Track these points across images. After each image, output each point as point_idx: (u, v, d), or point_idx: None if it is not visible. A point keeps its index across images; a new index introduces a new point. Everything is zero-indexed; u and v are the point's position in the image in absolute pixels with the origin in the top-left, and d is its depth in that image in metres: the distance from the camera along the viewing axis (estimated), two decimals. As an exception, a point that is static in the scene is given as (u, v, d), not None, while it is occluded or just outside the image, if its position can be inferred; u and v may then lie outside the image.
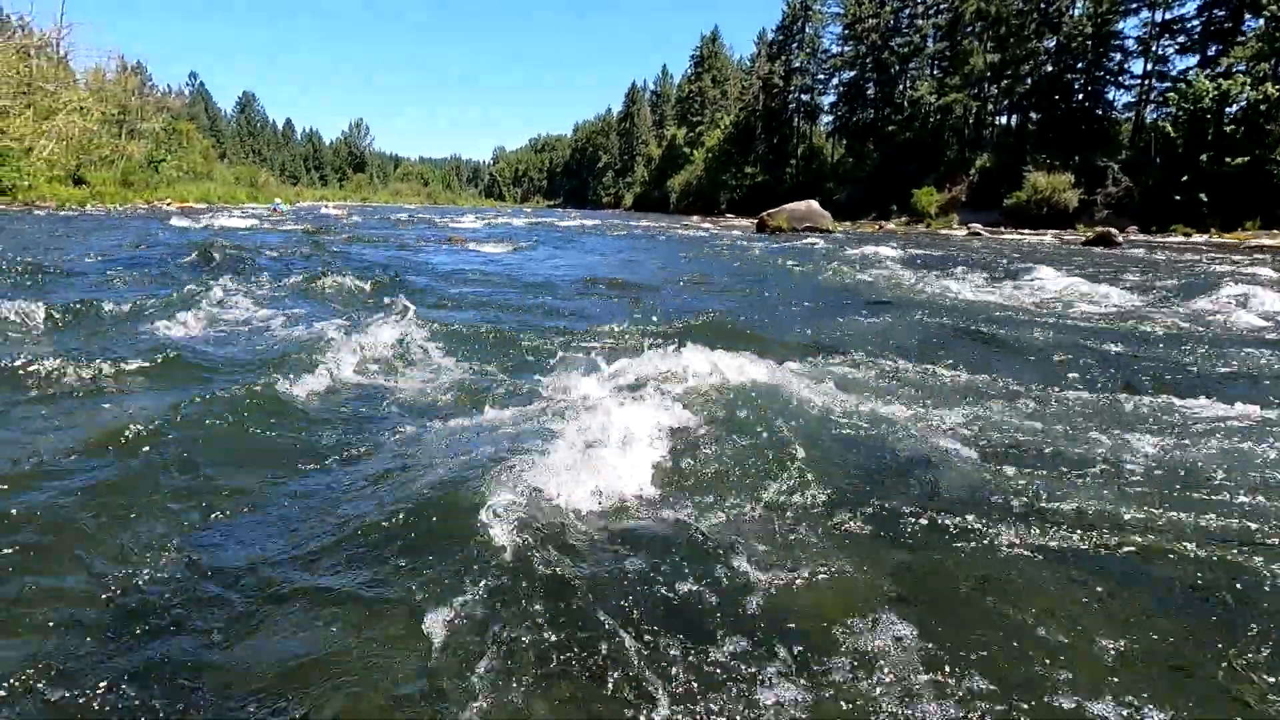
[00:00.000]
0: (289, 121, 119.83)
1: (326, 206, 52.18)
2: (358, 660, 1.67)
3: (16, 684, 1.58)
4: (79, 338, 4.83)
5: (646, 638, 1.77)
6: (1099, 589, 2.06)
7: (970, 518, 2.43)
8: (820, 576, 2.07)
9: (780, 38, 64.87)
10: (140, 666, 1.65)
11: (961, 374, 4.32)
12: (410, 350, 4.45)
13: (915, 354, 4.89)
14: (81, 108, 39.07)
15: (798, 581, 2.04)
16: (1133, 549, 2.27)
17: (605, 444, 2.74)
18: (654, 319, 5.86)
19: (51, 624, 1.79)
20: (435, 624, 1.77)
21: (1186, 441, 3.14)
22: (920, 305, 7.40)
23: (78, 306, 5.46)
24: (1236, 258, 16.33)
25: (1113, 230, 20.40)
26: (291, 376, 3.69)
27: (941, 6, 50.07)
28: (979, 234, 28.51)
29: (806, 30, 62.20)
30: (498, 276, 9.52)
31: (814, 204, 22.55)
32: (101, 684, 1.59)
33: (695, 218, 50.81)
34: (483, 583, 1.92)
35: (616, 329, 5.46)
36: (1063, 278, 10.19)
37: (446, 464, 2.66)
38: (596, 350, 4.48)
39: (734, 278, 9.97)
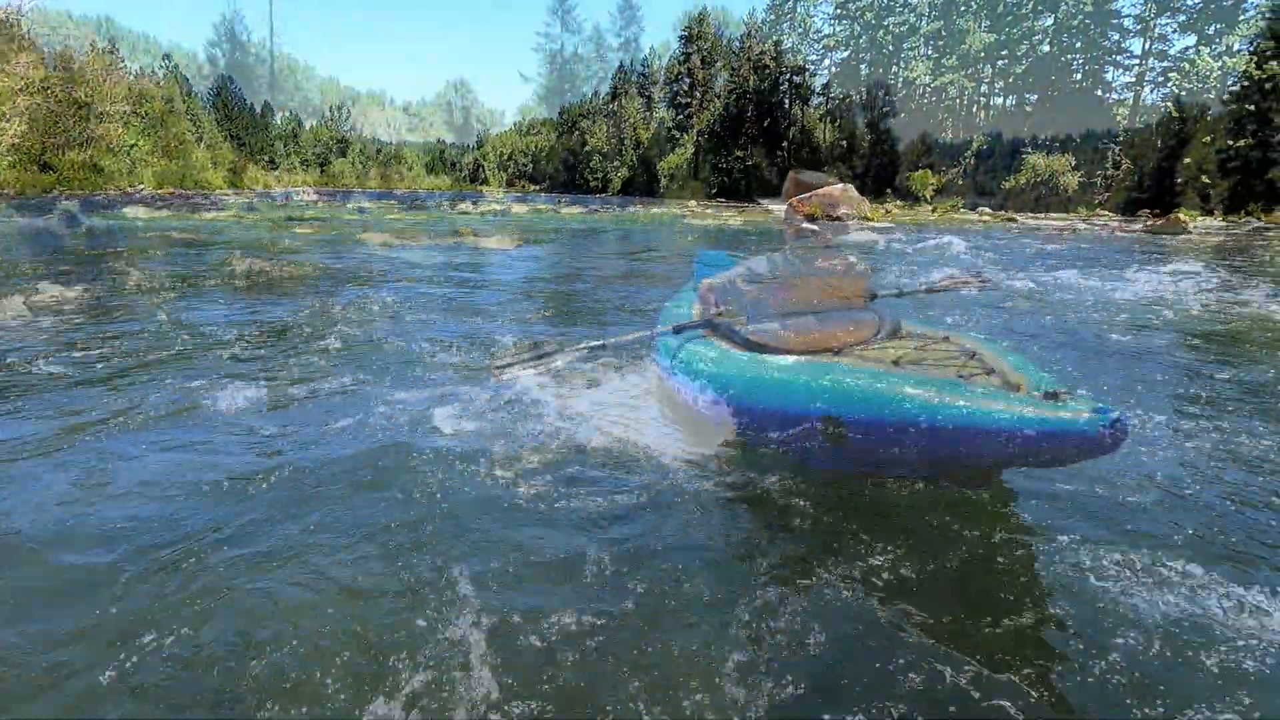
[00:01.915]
0: (267, 104, 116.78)
1: (306, 192, 50.68)
2: None
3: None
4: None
5: None
6: None
7: None
8: None
9: (771, 17, 63.72)
10: None
11: None
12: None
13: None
14: (46, 88, 37.30)
15: None
16: None
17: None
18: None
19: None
20: None
21: None
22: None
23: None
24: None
25: (1180, 215, 19.76)
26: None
27: (936, -15, 49.22)
28: (1014, 220, 26.97)
29: (798, 9, 61.12)
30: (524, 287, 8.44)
31: (850, 188, 21.12)
32: None
33: (693, 203, 49.61)
34: None
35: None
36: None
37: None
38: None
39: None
